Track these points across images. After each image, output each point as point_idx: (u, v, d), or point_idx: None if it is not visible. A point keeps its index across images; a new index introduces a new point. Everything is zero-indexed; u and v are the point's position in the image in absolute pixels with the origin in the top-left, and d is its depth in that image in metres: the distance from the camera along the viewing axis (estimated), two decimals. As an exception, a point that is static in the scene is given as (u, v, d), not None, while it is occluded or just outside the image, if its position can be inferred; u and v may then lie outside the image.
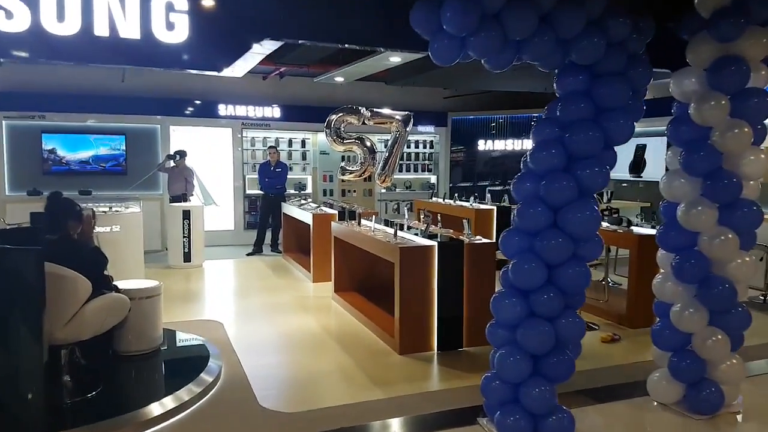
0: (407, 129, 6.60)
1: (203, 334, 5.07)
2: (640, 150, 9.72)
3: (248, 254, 9.41)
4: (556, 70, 3.37)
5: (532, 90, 8.88)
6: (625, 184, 10.09)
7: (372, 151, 6.47)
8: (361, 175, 6.52)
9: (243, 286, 7.53)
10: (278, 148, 9.98)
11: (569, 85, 3.31)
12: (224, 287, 7.49)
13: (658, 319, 3.85)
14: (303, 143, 11.21)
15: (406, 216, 6.47)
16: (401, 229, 5.51)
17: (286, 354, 4.89)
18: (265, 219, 9.56)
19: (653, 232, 5.70)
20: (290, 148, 11.12)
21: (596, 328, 5.45)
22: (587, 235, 3.21)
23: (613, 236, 5.76)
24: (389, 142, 6.64)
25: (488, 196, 8.89)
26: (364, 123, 6.39)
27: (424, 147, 12.06)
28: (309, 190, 11.10)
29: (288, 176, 9.83)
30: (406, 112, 6.70)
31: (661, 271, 3.83)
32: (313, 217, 7.50)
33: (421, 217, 5.84)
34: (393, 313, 4.95)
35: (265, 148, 10.23)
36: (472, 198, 8.65)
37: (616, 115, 3.24)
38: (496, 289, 4.94)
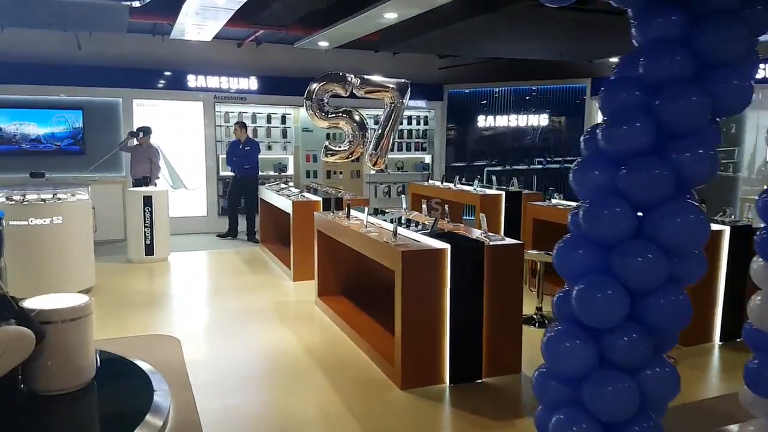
0: (404, 100, 5.55)
1: (152, 359, 3.98)
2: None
3: (219, 235, 8.64)
4: (630, 12, 2.34)
5: (545, 57, 7.76)
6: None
7: (362, 126, 5.44)
8: (348, 157, 5.48)
9: (212, 286, 6.46)
10: (249, 125, 8.89)
11: (656, 29, 2.25)
12: (189, 287, 6.39)
13: (752, 354, 2.86)
14: (283, 119, 10.06)
15: (404, 205, 5.43)
16: (401, 224, 4.45)
17: (254, 389, 3.81)
18: (234, 203, 8.61)
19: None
20: (269, 125, 9.95)
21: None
22: (689, 247, 2.20)
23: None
24: (382, 117, 5.60)
25: (493, 178, 7.85)
26: (352, 93, 5.35)
27: (418, 123, 10.95)
28: (290, 171, 10.03)
29: (265, 155, 8.76)
30: (403, 80, 5.63)
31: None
32: (293, 205, 6.41)
33: (423, 207, 4.79)
34: (392, 330, 3.93)
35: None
36: (476, 181, 7.58)
37: (728, 73, 2.21)
38: (524, 304, 3.98)
